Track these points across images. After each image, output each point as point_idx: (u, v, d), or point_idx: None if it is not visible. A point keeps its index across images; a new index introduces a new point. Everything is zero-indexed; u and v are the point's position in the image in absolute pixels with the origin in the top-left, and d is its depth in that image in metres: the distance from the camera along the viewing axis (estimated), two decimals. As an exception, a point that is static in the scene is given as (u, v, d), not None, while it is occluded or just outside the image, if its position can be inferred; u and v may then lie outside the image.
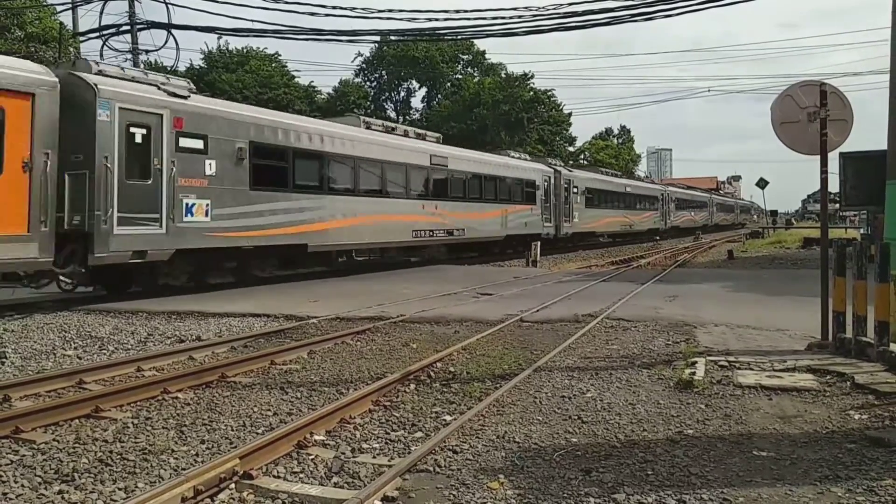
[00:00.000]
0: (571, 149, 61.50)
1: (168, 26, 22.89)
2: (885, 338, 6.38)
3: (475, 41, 52.47)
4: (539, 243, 24.62)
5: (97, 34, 23.32)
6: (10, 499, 3.85)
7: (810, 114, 7.62)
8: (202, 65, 46.71)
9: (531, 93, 51.53)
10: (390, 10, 36.20)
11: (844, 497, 3.75)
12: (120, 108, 11.57)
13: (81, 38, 24.09)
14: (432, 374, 6.76)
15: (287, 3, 16.81)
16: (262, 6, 29.02)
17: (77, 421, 5.32)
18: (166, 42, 37.16)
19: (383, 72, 55.69)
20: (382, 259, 20.01)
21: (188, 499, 3.69)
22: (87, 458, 4.47)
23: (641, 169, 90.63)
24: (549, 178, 28.87)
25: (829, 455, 4.38)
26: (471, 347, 7.98)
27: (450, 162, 21.53)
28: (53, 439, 4.90)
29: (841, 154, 17.35)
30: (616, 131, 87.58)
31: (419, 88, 57.49)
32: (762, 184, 45.37)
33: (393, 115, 55.93)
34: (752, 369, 6.60)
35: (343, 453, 4.56)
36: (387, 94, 57.54)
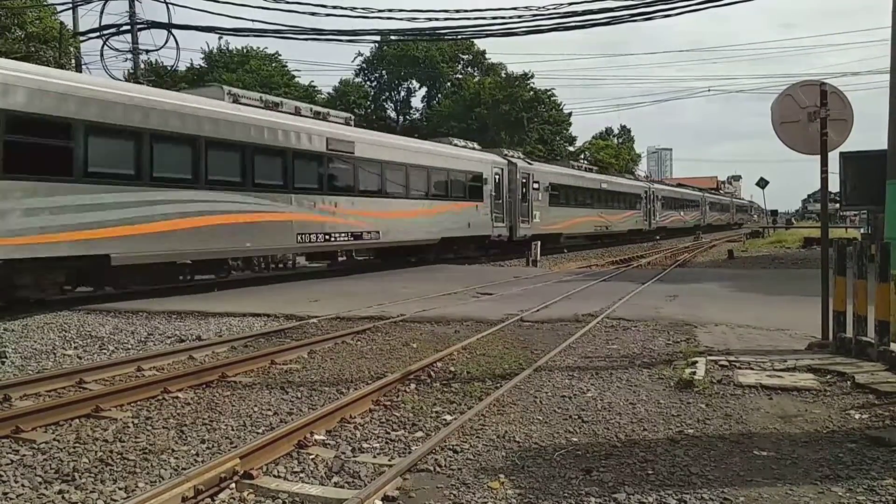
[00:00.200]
0: (572, 148, 61.52)
1: (168, 26, 22.89)
2: (886, 337, 6.38)
3: (475, 41, 52.62)
4: (538, 243, 23.96)
5: (97, 34, 23.33)
6: (11, 498, 3.85)
7: (810, 113, 7.62)
8: (203, 64, 46.78)
9: (531, 92, 51.58)
10: (390, 10, 36.27)
11: (845, 496, 3.74)
12: None
13: (82, 38, 24.10)
14: (433, 373, 6.76)
15: (288, 2, 16.84)
16: (263, 6, 29.04)
17: (77, 420, 5.32)
18: (167, 42, 37.12)
19: (383, 71, 55.70)
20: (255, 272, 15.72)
21: (189, 498, 3.68)
22: (88, 458, 4.47)
23: (642, 168, 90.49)
24: (502, 171, 24.92)
25: (830, 454, 4.38)
26: (471, 347, 7.98)
27: (358, 148, 17.35)
28: (54, 439, 4.90)
29: (841, 154, 17.40)
30: (616, 131, 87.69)
31: (419, 88, 57.55)
32: (762, 183, 45.36)
33: (393, 114, 55.98)
34: (752, 369, 6.60)
35: (343, 453, 4.56)
36: (387, 93, 57.57)
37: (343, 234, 16.79)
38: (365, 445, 4.74)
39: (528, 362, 7.12)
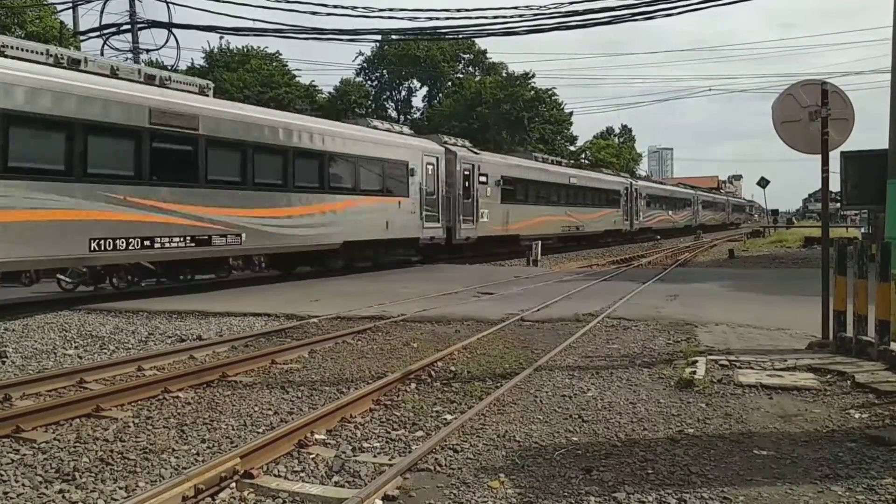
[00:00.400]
0: (573, 148, 61.50)
1: (169, 25, 22.95)
2: (886, 337, 6.38)
3: (476, 40, 52.62)
4: (539, 244, 23.63)
5: (98, 33, 23.38)
6: (11, 498, 3.85)
7: (811, 113, 7.62)
8: (203, 64, 46.77)
9: (532, 92, 51.50)
10: (391, 10, 36.28)
11: (844, 496, 3.74)
12: None
13: (82, 38, 24.12)
14: (433, 373, 6.76)
15: (288, 2, 16.85)
16: (264, 5, 28.99)
17: (78, 420, 5.32)
18: (167, 41, 37.09)
19: (384, 71, 55.65)
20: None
21: (189, 498, 3.69)
22: (88, 458, 4.47)
23: (642, 168, 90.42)
24: (437, 160, 20.85)
25: (830, 454, 4.38)
26: (471, 347, 7.98)
27: (204, 124, 13.23)
28: (54, 438, 4.90)
29: (842, 153, 17.36)
30: (617, 130, 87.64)
31: (420, 88, 57.50)
32: (763, 183, 45.39)
33: (394, 114, 55.96)
34: (752, 368, 6.60)
35: (344, 452, 4.56)
36: (388, 93, 57.51)
37: (177, 239, 12.60)
38: (365, 445, 4.74)
39: (528, 362, 7.12)
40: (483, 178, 23.47)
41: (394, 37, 41.14)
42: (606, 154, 68.11)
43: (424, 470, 4.20)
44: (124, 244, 11.75)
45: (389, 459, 4.40)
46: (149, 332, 9.23)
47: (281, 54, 48.66)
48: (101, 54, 23.15)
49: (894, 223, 7.46)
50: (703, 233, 51.95)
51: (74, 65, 11.74)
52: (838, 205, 27.71)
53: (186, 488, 3.69)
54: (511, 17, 16.24)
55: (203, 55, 47.75)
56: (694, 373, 6.32)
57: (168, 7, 22.66)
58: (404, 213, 19.08)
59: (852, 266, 6.96)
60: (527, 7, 15.47)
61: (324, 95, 51.69)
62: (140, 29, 23.50)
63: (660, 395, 5.86)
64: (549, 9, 15.35)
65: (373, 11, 20.05)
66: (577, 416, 5.29)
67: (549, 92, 53.49)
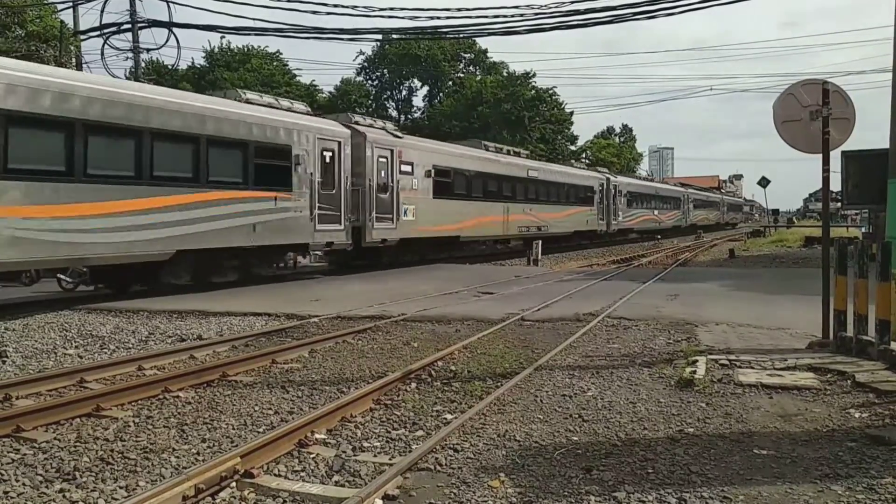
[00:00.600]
0: (573, 147, 61.49)
1: (169, 25, 22.93)
2: (886, 336, 6.38)
3: (477, 40, 52.66)
4: (539, 242, 23.35)
5: (98, 33, 23.37)
6: (12, 497, 3.85)
7: (812, 112, 7.61)
8: (204, 63, 46.78)
9: (533, 91, 51.52)
10: (392, 9, 36.23)
11: (844, 495, 3.75)
12: None
13: (82, 37, 24.10)
14: (433, 372, 6.76)
15: (289, 1, 16.87)
16: (264, 5, 29.05)
17: (78, 420, 5.33)
18: (167, 41, 36.90)
19: (385, 70, 55.67)
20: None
21: (189, 497, 3.69)
22: (89, 457, 4.48)
23: (643, 168, 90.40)
24: (338, 145, 16.56)
25: (830, 453, 4.38)
26: (472, 346, 7.98)
27: None
28: (55, 438, 4.91)
29: (843, 153, 17.32)
30: (618, 130, 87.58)
31: (421, 87, 57.52)
32: (764, 182, 45.36)
33: (395, 113, 55.96)
34: (752, 368, 6.60)
35: (344, 452, 4.56)
36: (388, 92, 57.54)
37: None
38: (365, 444, 4.74)
39: (528, 361, 7.12)
40: (407, 168, 19.31)
41: (394, 36, 41.18)
42: (607, 154, 68.13)
43: (425, 469, 4.20)
44: None
45: (390, 459, 4.41)
46: (149, 332, 9.23)
47: (281, 53, 48.76)
48: (102, 54, 23.24)
49: (895, 223, 7.45)
50: (690, 232, 49.58)
51: None
52: (839, 204, 27.70)
53: (187, 488, 3.69)
54: (512, 16, 16.26)
55: (204, 54, 47.80)
56: (694, 372, 6.32)
57: (168, 6, 22.66)
58: (284, 212, 14.84)
59: (853, 266, 6.96)
60: (527, 6, 15.46)
61: (324, 95, 51.73)
62: (140, 28, 23.49)
63: (660, 394, 5.86)
64: (550, 8, 15.37)
65: (373, 11, 20.06)
66: (577, 416, 5.29)
67: (550, 91, 53.52)
